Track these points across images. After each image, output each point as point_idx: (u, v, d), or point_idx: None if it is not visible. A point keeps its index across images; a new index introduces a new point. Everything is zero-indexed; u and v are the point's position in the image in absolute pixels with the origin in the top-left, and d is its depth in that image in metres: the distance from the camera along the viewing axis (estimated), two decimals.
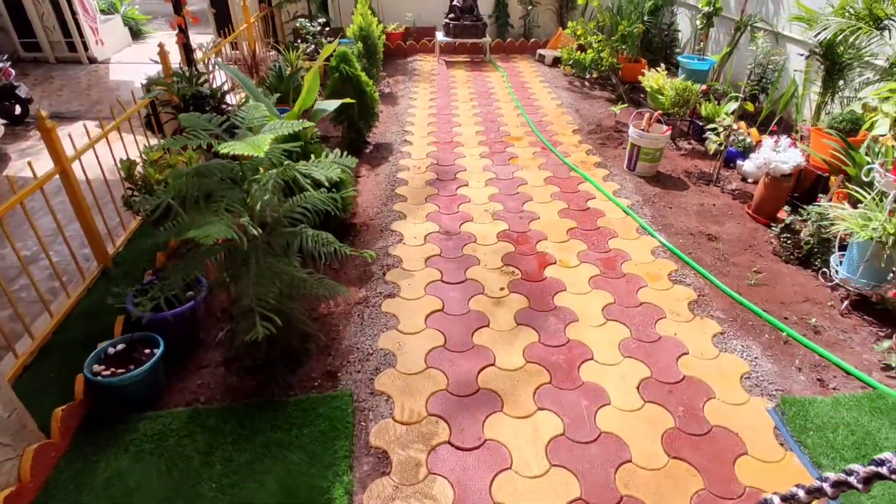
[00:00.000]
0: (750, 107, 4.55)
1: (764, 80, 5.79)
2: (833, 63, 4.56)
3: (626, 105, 6.22)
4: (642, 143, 4.70)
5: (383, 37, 7.06)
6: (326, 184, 2.28)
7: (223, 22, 9.15)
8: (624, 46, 7.25)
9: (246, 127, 2.40)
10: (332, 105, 3.95)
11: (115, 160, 3.57)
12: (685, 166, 5.11)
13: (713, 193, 4.61)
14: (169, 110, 3.89)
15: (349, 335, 3.04)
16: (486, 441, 2.43)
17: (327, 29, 7.56)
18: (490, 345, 2.95)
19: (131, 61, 10.58)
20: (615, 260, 3.66)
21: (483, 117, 6.19)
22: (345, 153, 2.66)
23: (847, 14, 4.32)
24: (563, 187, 4.61)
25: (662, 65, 6.22)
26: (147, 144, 4.11)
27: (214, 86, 5.28)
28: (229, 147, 2.05)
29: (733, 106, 4.44)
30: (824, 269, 3.53)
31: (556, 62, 8.26)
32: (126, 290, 2.86)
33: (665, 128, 4.83)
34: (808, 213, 3.65)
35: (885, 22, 4.18)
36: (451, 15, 8.24)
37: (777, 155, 3.96)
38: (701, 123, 5.58)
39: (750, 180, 4.80)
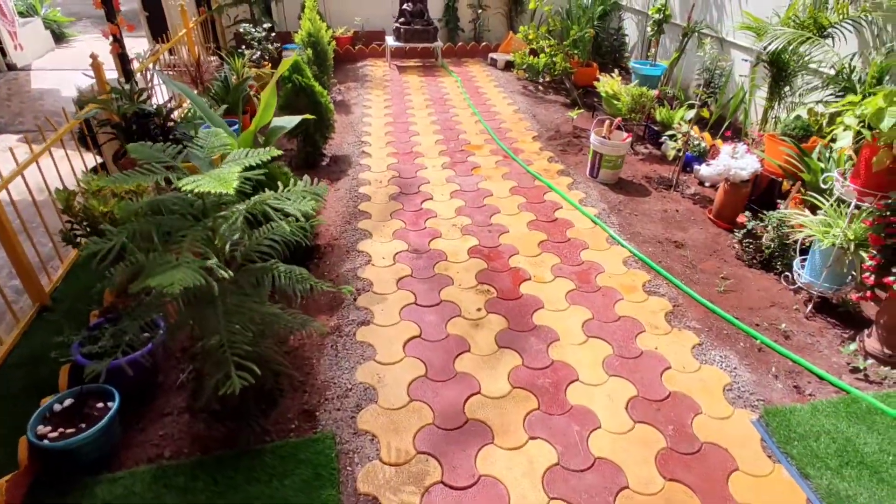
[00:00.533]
0: (706, 114, 4.66)
1: (712, 85, 5.97)
2: (779, 70, 4.72)
3: (581, 110, 6.27)
4: (604, 151, 4.72)
5: (333, 42, 6.82)
6: (301, 217, 2.10)
7: (158, 26, 8.64)
8: (576, 51, 7.32)
9: (206, 156, 2.19)
10: (291, 122, 3.73)
11: (44, 179, 3.23)
12: (645, 171, 5.19)
13: (674, 199, 4.69)
14: (108, 130, 3.56)
15: (324, 369, 2.86)
16: (481, 477, 2.33)
17: (273, 34, 7.25)
18: (473, 371, 2.85)
19: (55, 67, 9.81)
20: (589, 272, 3.64)
21: (441, 125, 6.08)
22: (311, 179, 2.49)
23: (793, 23, 4.48)
24: (529, 197, 4.56)
25: (616, 70, 6.31)
26: (83, 166, 3.77)
27: (157, 100, 4.93)
28: (193, 184, 1.84)
29: (690, 113, 4.53)
30: (787, 273, 3.64)
31: (509, 66, 8.26)
32: (71, 337, 2.58)
33: (625, 135, 4.88)
34: (768, 219, 3.75)
35: (829, 30, 4.37)
36: (402, 19, 8.08)
37: (735, 162, 4.06)
38: (656, 128, 5.69)
39: (707, 184, 4.92)
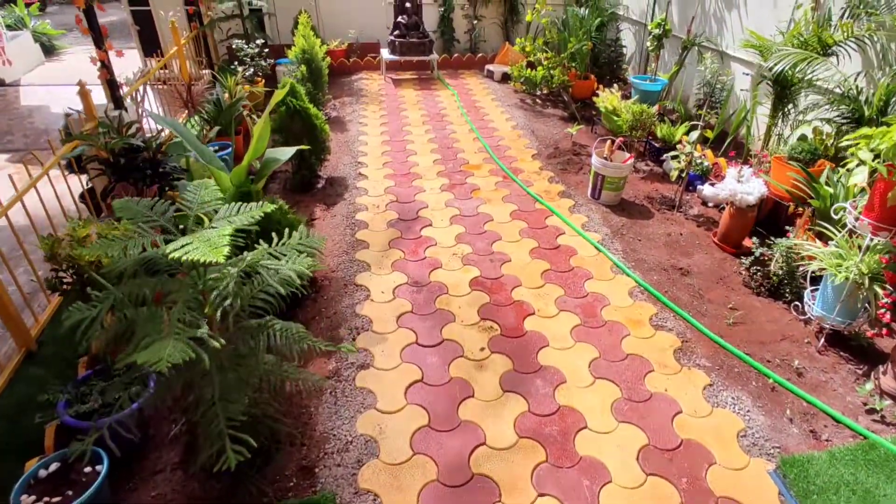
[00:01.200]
0: (710, 134, 4.56)
1: (713, 99, 5.88)
2: (783, 88, 4.64)
3: (581, 125, 6.17)
4: (606, 173, 4.63)
5: (327, 59, 6.71)
6: (297, 281, 1.99)
7: (150, 40, 8.51)
8: (573, 64, 7.22)
9: (194, 214, 2.08)
10: (285, 154, 3.62)
11: (27, 213, 3.10)
12: (646, 191, 5.09)
13: (678, 221, 4.60)
14: (96, 166, 3.44)
15: (323, 419, 2.75)
16: None
17: (266, 51, 7.13)
18: (478, 419, 2.75)
19: (45, 83, 9.65)
20: (594, 305, 3.54)
21: (439, 143, 5.98)
22: (307, 227, 2.38)
23: (797, 41, 4.39)
24: (530, 222, 4.46)
25: (616, 85, 6.22)
26: (70, 194, 3.65)
27: (150, 124, 4.81)
28: (181, 251, 1.73)
29: (694, 134, 4.44)
30: (796, 303, 3.55)
31: (506, 78, 8.17)
32: (57, 395, 2.46)
33: (627, 155, 4.78)
34: (777, 247, 3.66)
35: (833, 48, 4.28)
36: (397, 32, 7.97)
37: (741, 186, 3.97)
38: (657, 145, 5.60)
39: (710, 204, 4.83)
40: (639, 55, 7.83)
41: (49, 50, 11.98)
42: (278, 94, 3.60)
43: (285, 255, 2.07)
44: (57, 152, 3.45)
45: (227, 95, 6.05)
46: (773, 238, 4.04)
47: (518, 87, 7.70)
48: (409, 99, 7.39)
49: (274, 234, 2.28)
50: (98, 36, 4.31)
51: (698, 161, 4.90)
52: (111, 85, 4.52)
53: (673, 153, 4.73)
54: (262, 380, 2.24)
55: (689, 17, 6.41)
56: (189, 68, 7.62)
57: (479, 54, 8.98)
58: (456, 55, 8.89)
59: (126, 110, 4.75)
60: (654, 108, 5.65)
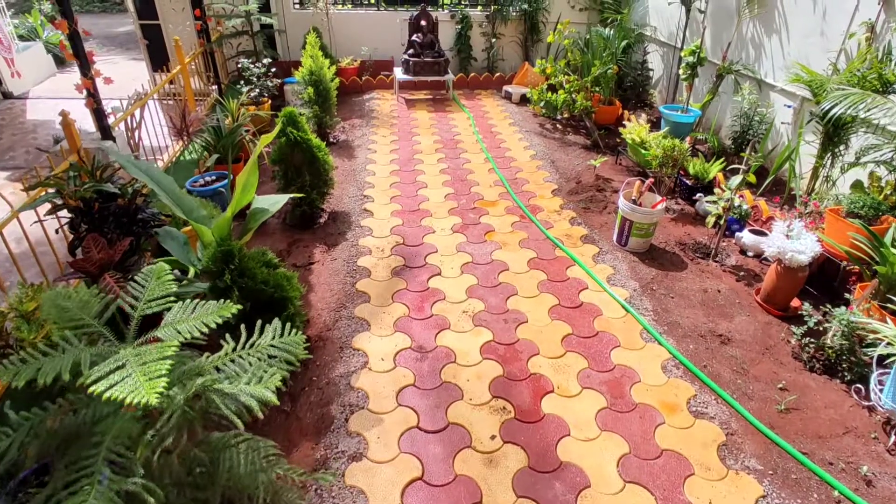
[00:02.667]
0: (752, 178, 4.10)
1: (750, 133, 5.41)
2: (834, 127, 4.17)
3: (605, 157, 5.73)
4: (635, 218, 4.18)
5: (336, 79, 6.37)
6: (259, 413, 1.58)
7: (158, 53, 8.26)
8: (597, 88, 6.79)
9: (140, 309, 1.69)
10: (276, 203, 3.24)
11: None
12: (678, 235, 4.63)
13: (714, 273, 4.13)
14: (65, 215, 3.09)
15: None
16: None
17: (272, 71, 6.80)
18: None
19: (53, 96, 9.44)
20: (622, 383, 3.09)
21: (452, 174, 5.58)
22: (296, 277, 1.98)
23: (854, 77, 3.93)
24: (550, 273, 4.03)
25: (643, 114, 5.78)
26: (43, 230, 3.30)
27: (152, 139, 4.47)
28: (105, 384, 1.34)
29: (736, 179, 3.98)
30: (858, 385, 3.07)
31: (524, 100, 7.76)
32: None
33: (658, 198, 4.33)
34: (835, 320, 3.18)
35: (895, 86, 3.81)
36: (411, 51, 7.61)
37: (791, 243, 3.50)
38: (689, 182, 5.14)
39: (750, 254, 4.36)
40: (666, 79, 7.37)
41: (62, 61, 11.85)
42: (264, 139, 3.11)
43: (247, 372, 1.66)
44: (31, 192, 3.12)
45: (228, 119, 5.73)
46: (827, 304, 3.57)
47: (537, 110, 7.28)
48: (422, 122, 7.01)
49: (243, 329, 1.88)
50: (84, 62, 4.01)
51: (736, 204, 4.44)
52: (98, 114, 4.21)
53: (710, 198, 4.27)
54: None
55: (724, 41, 5.95)
56: (196, 85, 7.35)
57: (497, 74, 8.58)
58: (473, 74, 8.50)
59: (115, 140, 4.44)
60: (686, 143, 5.20)
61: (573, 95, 6.81)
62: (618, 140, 6.61)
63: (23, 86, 9.60)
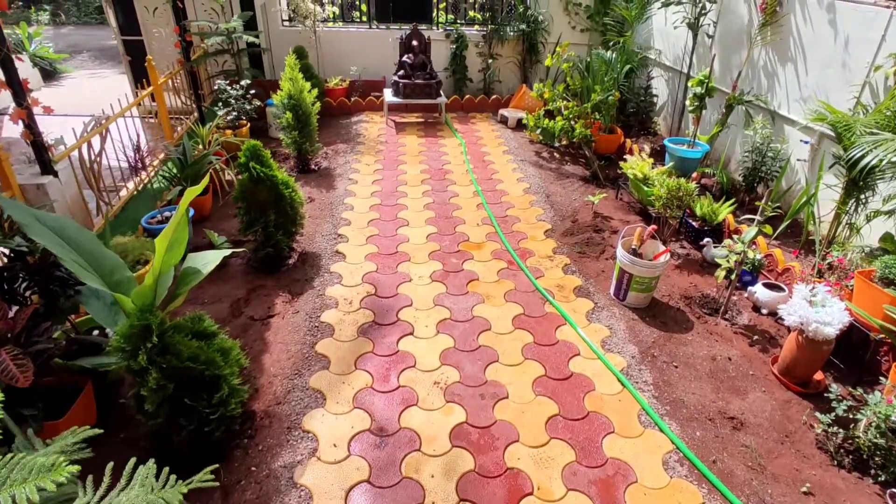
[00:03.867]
0: (769, 230, 3.64)
1: (763, 169, 4.95)
2: (860, 171, 3.70)
3: (604, 193, 5.27)
4: (635, 272, 3.71)
5: (317, 104, 5.96)
6: None
7: (141, 69, 7.91)
8: (598, 115, 6.36)
9: None
10: (213, 260, 2.78)
11: None
12: (682, 286, 4.16)
13: (724, 335, 3.65)
14: None
15: None
16: None
17: (252, 92, 6.41)
18: None
19: (36, 112, 9.03)
20: (616, 483, 2.61)
21: (437, 209, 5.13)
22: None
23: (883, 117, 3.47)
24: (537, 334, 3.56)
25: (647, 146, 5.34)
26: None
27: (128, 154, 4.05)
28: None
29: (751, 232, 3.51)
30: (893, 490, 2.58)
31: (520, 125, 7.34)
32: None
33: (662, 248, 3.86)
34: (867, 409, 2.70)
35: None
36: (401, 72, 7.21)
37: (816, 313, 3.02)
38: (695, 224, 4.68)
39: (764, 311, 3.88)
40: (671, 105, 6.94)
41: (50, 74, 11.57)
42: (191, 192, 2.60)
43: None
44: None
45: (198, 149, 5.32)
46: (855, 381, 3.08)
47: (534, 137, 6.85)
48: (410, 148, 6.59)
49: (108, 470, 1.41)
50: (18, 91, 3.60)
51: (749, 254, 3.97)
52: (36, 147, 3.79)
53: (720, 251, 3.80)
54: None
55: (735, 68, 5.51)
56: (173, 104, 6.97)
57: (493, 96, 8.17)
58: (468, 97, 8.09)
59: (57, 176, 4.02)
60: (693, 181, 4.75)
61: (572, 122, 6.38)
62: (619, 171, 6.16)
63: (3, 101, 9.25)
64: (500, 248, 4.52)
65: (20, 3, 18.26)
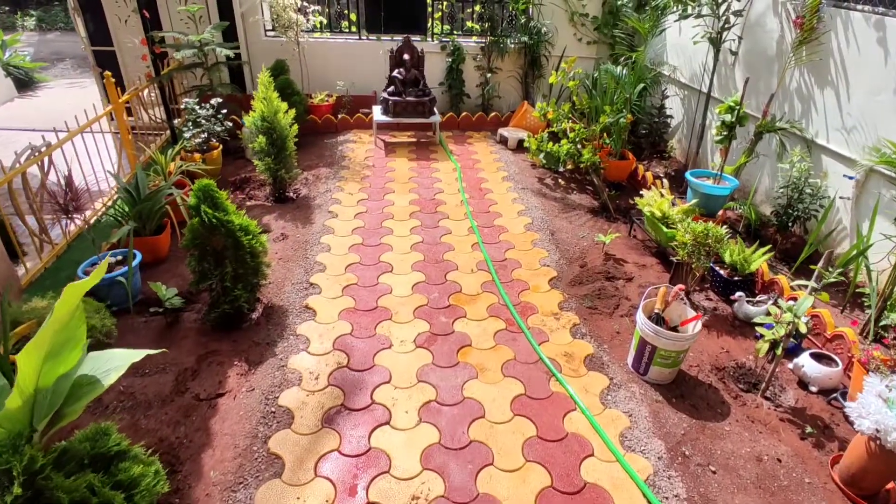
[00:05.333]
0: (825, 298, 3.01)
1: (800, 207, 4.32)
2: None
3: (616, 233, 4.64)
4: (659, 344, 3.08)
5: (295, 126, 5.33)
6: None
7: (116, 82, 7.31)
8: (608, 140, 5.74)
9: None
10: (118, 365, 2.13)
11: None
12: (712, 351, 3.53)
13: (768, 423, 3.01)
14: None
15: None
16: None
17: (223, 112, 5.78)
18: None
19: (4, 125, 8.42)
20: None
21: (426, 251, 4.50)
22: None
23: None
24: (541, 424, 2.92)
25: (665, 182, 4.72)
26: None
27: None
28: None
29: (806, 303, 2.88)
30: None
31: (521, 146, 6.71)
32: None
33: (691, 312, 3.23)
34: None
35: None
36: (391, 88, 6.59)
37: (894, 417, 2.38)
38: (723, 273, 4.04)
39: (813, 389, 3.24)
40: (687, 126, 6.32)
41: (26, 84, 10.96)
42: (95, 274, 2.00)
43: None
44: None
45: (155, 182, 4.70)
46: None
47: (537, 161, 6.23)
48: (399, 173, 5.96)
49: None
50: None
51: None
52: None
53: (754, 308, 3.17)
54: None
55: (763, 90, 4.89)
56: (148, 119, 6.37)
57: (492, 113, 7.55)
58: (464, 114, 7.47)
59: None
60: (719, 221, 4.13)
61: (579, 147, 5.76)
62: (631, 202, 5.54)
63: None
64: (497, 303, 3.88)
65: (6, 8, 17.74)
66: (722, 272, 4.04)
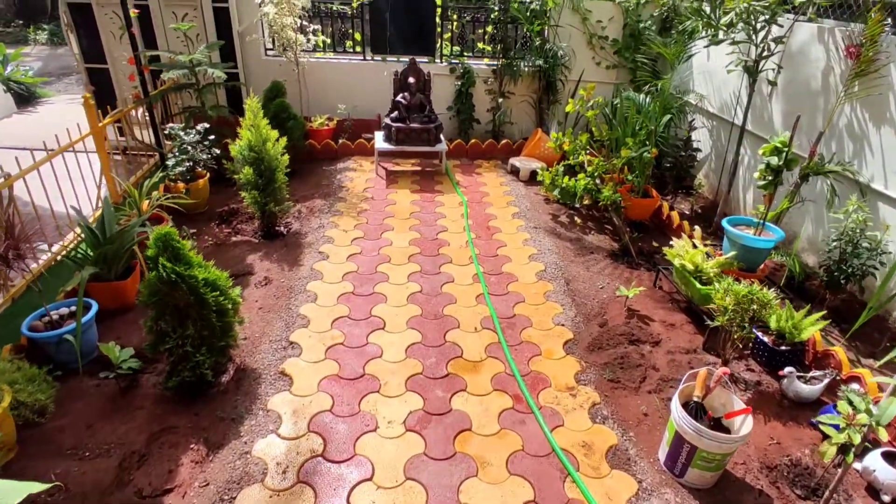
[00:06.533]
0: None
1: (856, 264, 3.75)
2: None
3: (641, 288, 4.09)
4: (702, 445, 2.52)
5: (286, 156, 4.87)
6: None
7: (107, 99, 6.95)
8: (630, 177, 5.22)
9: None
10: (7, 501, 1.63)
11: None
12: (760, 441, 2.95)
13: None
14: None
15: None
16: None
17: (210, 138, 5.35)
18: None
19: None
20: None
21: (424, 304, 3.97)
22: None
23: None
24: None
25: (697, 228, 4.18)
26: None
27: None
28: None
29: (893, 409, 2.31)
30: None
31: (534, 177, 6.21)
32: None
33: (739, 403, 2.67)
34: None
35: None
36: (394, 114, 6.14)
37: None
38: (767, 339, 3.48)
39: (886, 498, 2.66)
40: (715, 159, 5.79)
41: (26, 99, 10.70)
42: None
43: None
44: None
45: (125, 219, 4.25)
46: None
47: (551, 195, 5.72)
48: (400, 207, 5.47)
49: None
50: None
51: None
52: None
53: (808, 387, 2.60)
54: None
55: (807, 124, 4.36)
56: (142, 139, 5.97)
57: (503, 141, 7.07)
58: (473, 141, 6.99)
59: None
60: (760, 275, 3.57)
61: (597, 181, 5.24)
62: (654, 244, 5.00)
63: None
64: (504, 372, 3.34)
65: (20, 22, 17.75)
66: (766, 338, 3.48)
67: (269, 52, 7.03)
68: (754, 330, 3.47)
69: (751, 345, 3.59)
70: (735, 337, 3.29)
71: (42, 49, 16.21)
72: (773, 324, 3.45)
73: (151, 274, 2.94)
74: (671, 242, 3.98)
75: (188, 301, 2.99)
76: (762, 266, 3.88)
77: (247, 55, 6.91)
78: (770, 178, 3.70)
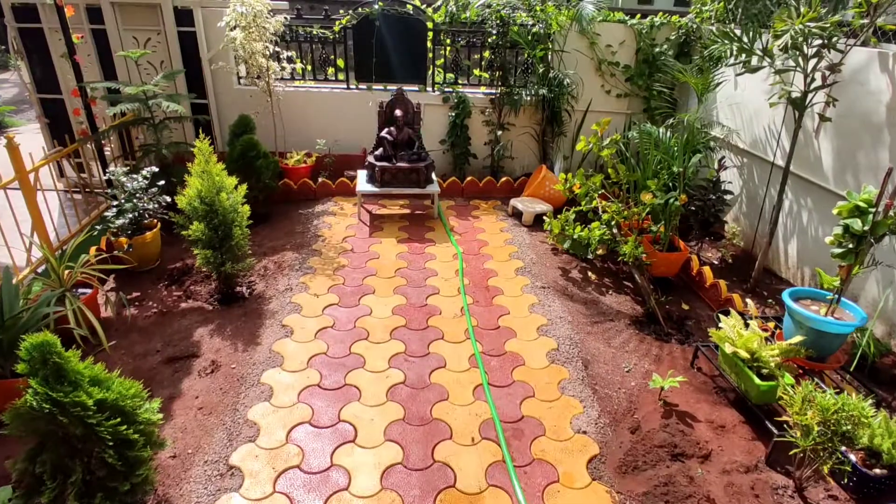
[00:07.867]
0: None
1: None
2: None
3: (681, 378, 3.27)
4: None
5: (246, 207, 4.08)
6: None
7: (65, 130, 6.19)
8: (654, 227, 4.44)
9: None
10: None
11: None
12: None
13: None
14: None
15: None
16: None
17: (160, 184, 4.56)
18: None
19: None
20: None
21: (407, 402, 3.14)
22: None
23: None
24: None
25: (750, 302, 3.37)
26: None
27: None
28: None
29: None
30: None
31: (539, 222, 5.43)
32: None
33: None
34: None
35: None
36: (379, 151, 5.38)
37: None
38: (855, 457, 2.64)
39: None
40: (746, 202, 5.03)
41: None
42: None
43: None
44: None
45: (31, 298, 3.43)
46: None
47: (560, 246, 4.94)
48: (384, 262, 4.66)
49: None
50: None
51: None
52: None
53: None
54: None
55: (864, 165, 3.59)
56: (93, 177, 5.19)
57: (503, 178, 6.30)
58: (470, 178, 6.23)
59: None
60: (833, 362, 2.76)
61: (614, 231, 4.47)
62: (685, 307, 4.21)
63: None
64: None
65: (2, 48, 17.15)
66: (854, 457, 2.65)
67: (243, 81, 6.31)
68: (845, 452, 2.63)
69: (844, 476, 2.75)
70: (824, 469, 2.46)
71: (25, 74, 15.58)
72: (864, 440, 2.63)
73: (27, 397, 2.12)
74: (720, 324, 3.17)
75: (81, 434, 2.16)
76: (837, 353, 3.07)
77: (217, 85, 6.17)
78: (851, 246, 2.90)
